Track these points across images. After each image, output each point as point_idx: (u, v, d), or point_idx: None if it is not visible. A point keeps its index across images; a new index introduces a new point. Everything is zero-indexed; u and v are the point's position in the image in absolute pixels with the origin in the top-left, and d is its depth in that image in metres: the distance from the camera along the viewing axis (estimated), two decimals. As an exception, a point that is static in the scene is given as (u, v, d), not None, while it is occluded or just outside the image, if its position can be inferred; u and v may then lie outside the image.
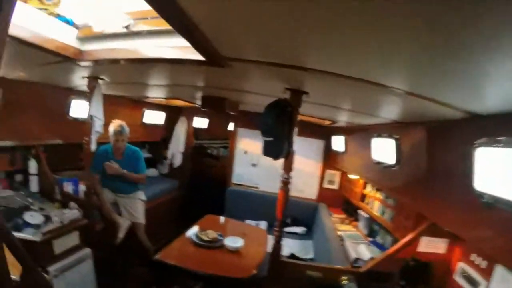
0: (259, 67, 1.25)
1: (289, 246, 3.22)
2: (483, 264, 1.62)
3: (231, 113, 3.02)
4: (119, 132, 2.69)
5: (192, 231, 2.59)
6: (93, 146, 2.39)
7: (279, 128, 1.65)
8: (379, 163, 2.35)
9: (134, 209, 2.89)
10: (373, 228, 3.11)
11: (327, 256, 2.65)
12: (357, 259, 2.46)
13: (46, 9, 1.45)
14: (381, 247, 2.71)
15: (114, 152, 2.79)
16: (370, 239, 2.96)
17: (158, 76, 2.15)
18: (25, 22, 1.28)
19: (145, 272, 2.78)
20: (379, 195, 2.96)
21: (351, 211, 3.70)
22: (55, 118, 2.69)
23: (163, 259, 2.20)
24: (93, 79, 2.21)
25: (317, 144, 4.07)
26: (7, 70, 1.88)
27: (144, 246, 2.91)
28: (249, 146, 4.14)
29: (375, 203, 3.01)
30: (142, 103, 3.76)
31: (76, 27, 1.57)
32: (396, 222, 2.46)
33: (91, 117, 2.30)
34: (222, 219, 3.26)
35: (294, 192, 3.91)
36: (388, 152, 2.17)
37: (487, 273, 1.55)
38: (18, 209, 2.24)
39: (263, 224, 3.77)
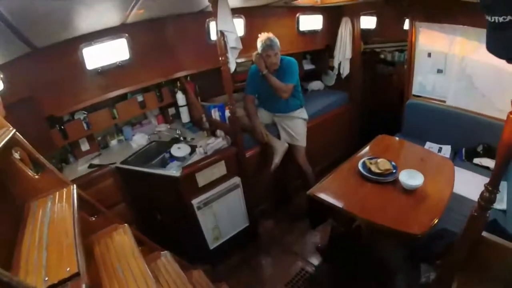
0: None
1: (475, 186, 2.35)
2: None
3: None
4: (268, 46, 2.26)
5: (361, 160, 2.01)
6: (232, 66, 2.06)
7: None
8: None
9: (294, 129, 2.52)
10: None
11: None
12: None
13: None
14: None
15: (267, 68, 2.38)
16: None
17: None
18: None
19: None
20: None
21: None
22: (196, 46, 2.49)
23: (316, 194, 1.78)
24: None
25: None
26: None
27: (303, 170, 2.61)
28: (434, 45, 2.96)
29: None
30: (294, 9, 3.08)
31: None
32: None
33: (221, 33, 1.90)
34: (398, 140, 2.61)
35: (490, 111, 2.75)
36: None
37: None
38: (169, 141, 2.37)
39: (446, 150, 2.91)
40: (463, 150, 2.84)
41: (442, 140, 2.97)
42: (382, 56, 4.24)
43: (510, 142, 1.04)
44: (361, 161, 1.96)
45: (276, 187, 2.86)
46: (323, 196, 1.76)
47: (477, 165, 2.69)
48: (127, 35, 2.12)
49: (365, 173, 1.87)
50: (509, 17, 0.80)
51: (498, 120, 2.75)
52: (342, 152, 2.61)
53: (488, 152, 2.77)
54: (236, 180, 2.24)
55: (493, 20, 0.84)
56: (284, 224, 2.70)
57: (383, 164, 1.90)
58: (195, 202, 2.03)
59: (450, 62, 2.90)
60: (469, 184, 2.35)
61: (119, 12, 1.76)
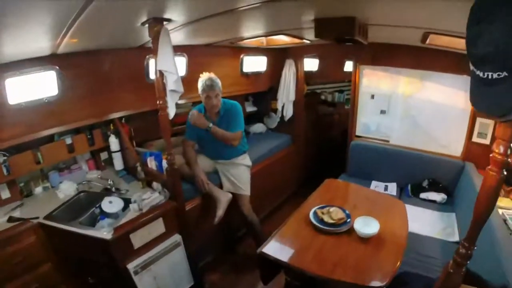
0: None
1: (425, 221, 2.43)
2: None
3: (361, 41, 1.97)
4: (209, 87, 2.16)
5: (312, 210, 1.91)
6: (171, 112, 1.91)
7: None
8: None
9: (237, 177, 2.40)
10: None
11: (486, 247, 1.69)
12: None
13: None
14: None
15: (208, 112, 2.30)
16: None
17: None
18: None
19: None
20: None
21: (509, 178, 2.42)
22: (135, 84, 2.33)
23: (267, 253, 1.58)
24: (154, 22, 1.57)
25: (462, 81, 2.72)
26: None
27: (248, 220, 2.46)
28: (378, 87, 3.14)
29: None
30: (238, 50, 3.08)
31: None
32: None
33: (160, 73, 1.75)
34: (345, 183, 2.59)
35: (434, 147, 2.91)
36: None
37: None
38: (100, 193, 2.13)
39: (392, 187, 2.98)
40: (409, 186, 2.93)
41: (387, 178, 3.04)
42: (322, 97, 4.51)
43: (487, 199, 1.01)
44: (312, 211, 1.86)
45: (221, 238, 2.65)
46: (274, 253, 1.59)
47: (424, 199, 2.77)
48: (57, 67, 1.89)
49: (317, 224, 1.76)
50: (504, 73, 0.74)
51: (442, 155, 2.96)
52: (288, 195, 2.52)
53: (433, 186, 2.88)
54: (177, 238, 2.00)
55: (485, 76, 0.78)
56: (231, 277, 2.47)
57: (336, 213, 1.82)
58: (131, 266, 1.74)
59: (393, 103, 3.08)
60: (419, 220, 2.41)
61: (48, 39, 1.54)
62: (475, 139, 2.87)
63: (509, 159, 0.91)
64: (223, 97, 2.30)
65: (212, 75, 2.22)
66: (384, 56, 2.83)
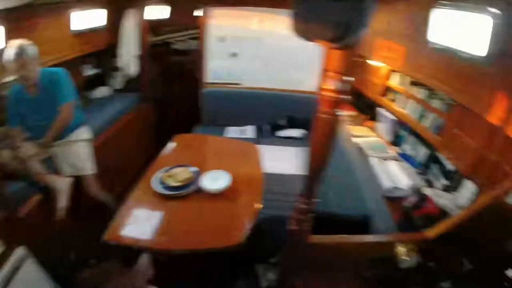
0: None
1: (286, 159, 2.57)
2: None
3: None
4: (17, 57, 1.70)
5: (155, 176, 1.72)
6: None
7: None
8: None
9: (76, 157, 1.99)
10: (397, 133, 2.49)
11: (344, 178, 2.03)
12: (393, 189, 1.82)
13: None
14: (413, 162, 2.13)
15: (26, 89, 1.85)
16: (398, 150, 2.35)
17: None
18: None
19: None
20: (416, 91, 2.19)
21: (364, 108, 2.98)
22: None
23: (113, 241, 1.37)
24: None
25: None
26: None
27: (100, 201, 2.10)
28: (228, 30, 2.98)
29: (407, 102, 2.31)
30: (64, 4, 2.35)
31: None
32: (447, 136, 1.80)
33: None
34: (196, 136, 2.50)
35: (289, 85, 3.07)
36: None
37: None
38: None
39: (250, 130, 3.01)
40: (267, 126, 3.02)
41: (244, 122, 3.06)
42: (176, 46, 4.10)
43: (323, 147, 0.87)
44: (155, 176, 1.68)
45: (79, 231, 2.14)
46: (123, 237, 1.38)
47: (283, 138, 2.90)
48: None
49: (160, 190, 1.59)
50: None
51: (297, 92, 3.07)
52: (146, 161, 2.24)
53: (292, 122, 3.01)
54: (20, 252, 1.48)
55: None
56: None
57: (182, 173, 1.68)
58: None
59: (245, 44, 3.00)
60: (279, 160, 2.50)
61: None
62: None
63: (343, 96, 0.75)
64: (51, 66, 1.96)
65: (23, 41, 1.75)
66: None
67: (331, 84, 0.74)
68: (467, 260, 1.04)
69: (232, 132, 2.94)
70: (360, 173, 2.04)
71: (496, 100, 1.29)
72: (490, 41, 1.25)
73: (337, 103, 0.76)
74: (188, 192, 1.59)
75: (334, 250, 1.19)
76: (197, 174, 1.69)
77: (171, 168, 1.72)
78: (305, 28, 0.72)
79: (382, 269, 1.14)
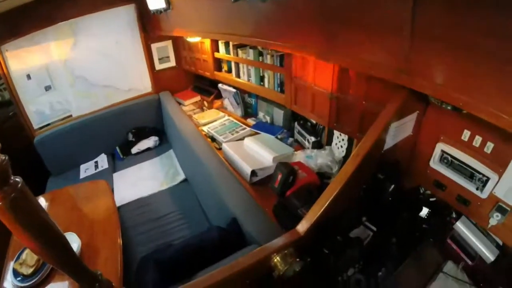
0: None
1: (148, 177, 2.36)
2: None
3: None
4: None
5: (9, 267, 1.33)
6: None
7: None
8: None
9: None
10: (247, 104, 2.48)
11: (208, 189, 1.81)
12: (253, 172, 1.66)
13: None
14: (271, 129, 2.11)
15: None
16: (251, 121, 2.34)
17: None
18: None
19: None
20: (243, 54, 2.17)
21: (208, 89, 2.93)
22: None
23: None
24: None
25: (125, 12, 2.63)
26: None
27: None
28: (30, 63, 2.42)
29: (240, 69, 2.27)
30: None
31: None
32: (289, 90, 1.77)
33: None
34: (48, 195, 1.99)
35: (122, 95, 2.81)
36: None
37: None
38: None
39: (102, 160, 2.71)
40: (117, 149, 2.75)
41: (93, 153, 2.74)
42: None
43: None
44: (10, 270, 1.31)
45: None
46: None
47: (138, 153, 2.70)
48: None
49: (20, 284, 1.25)
50: None
51: (135, 99, 2.88)
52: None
53: (140, 135, 2.82)
54: None
55: None
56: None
57: (31, 255, 1.31)
58: None
59: (54, 73, 2.52)
60: (141, 180, 2.30)
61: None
62: (158, 66, 2.92)
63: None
64: None
65: None
66: (26, 22, 2.20)
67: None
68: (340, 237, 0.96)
69: (87, 169, 2.61)
70: (218, 177, 1.71)
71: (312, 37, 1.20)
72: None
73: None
74: (44, 275, 1.28)
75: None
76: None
77: (21, 252, 1.37)
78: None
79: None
